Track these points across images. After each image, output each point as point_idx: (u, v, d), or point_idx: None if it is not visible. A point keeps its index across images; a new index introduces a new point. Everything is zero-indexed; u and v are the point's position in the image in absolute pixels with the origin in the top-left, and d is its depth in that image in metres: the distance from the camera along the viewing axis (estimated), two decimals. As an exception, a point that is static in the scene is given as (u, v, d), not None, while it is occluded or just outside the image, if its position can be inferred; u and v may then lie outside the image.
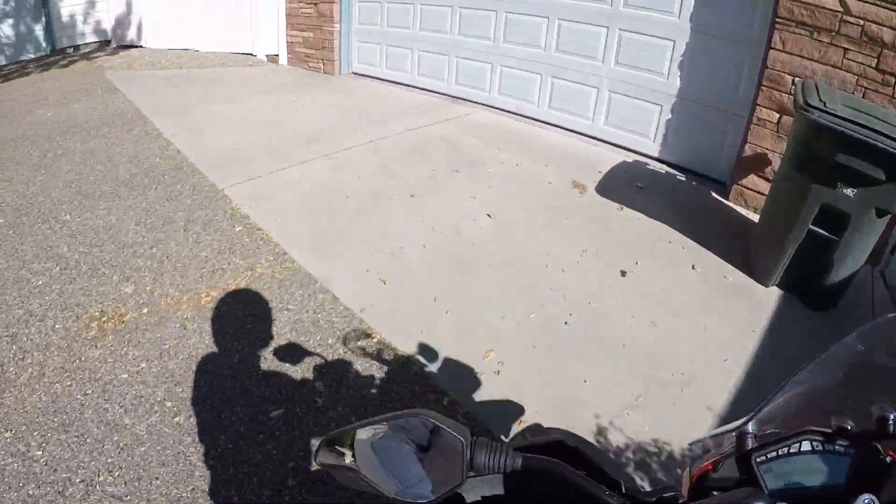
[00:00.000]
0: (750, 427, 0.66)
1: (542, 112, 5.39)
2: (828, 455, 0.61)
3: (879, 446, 0.61)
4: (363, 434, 0.55)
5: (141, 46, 9.22)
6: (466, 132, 5.20)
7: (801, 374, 0.65)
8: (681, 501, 0.64)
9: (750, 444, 0.64)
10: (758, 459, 0.62)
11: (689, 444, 0.74)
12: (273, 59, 8.08)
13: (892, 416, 0.58)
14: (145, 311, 2.85)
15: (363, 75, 7.27)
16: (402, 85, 6.77)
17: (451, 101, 6.02)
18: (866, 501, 0.52)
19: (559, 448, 0.67)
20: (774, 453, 0.62)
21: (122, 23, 9.00)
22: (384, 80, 6.98)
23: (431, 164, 4.60)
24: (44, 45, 9.32)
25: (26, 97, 7.21)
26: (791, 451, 0.62)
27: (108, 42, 9.50)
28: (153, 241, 3.65)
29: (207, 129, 5.48)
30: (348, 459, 0.53)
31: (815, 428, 0.63)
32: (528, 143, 5.11)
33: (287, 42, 7.78)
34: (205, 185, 4.37)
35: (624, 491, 0.64)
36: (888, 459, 0.60)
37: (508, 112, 5.66)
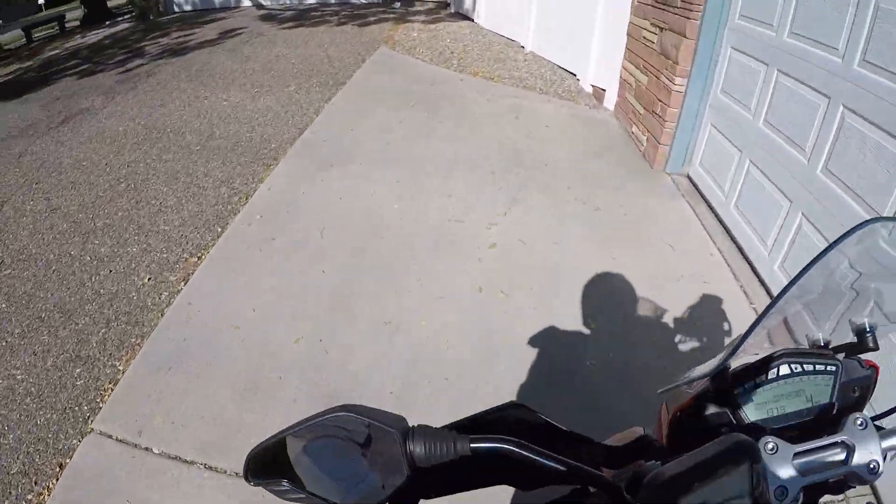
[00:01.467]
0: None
1: None
2: (809, 375, 0.65)
3: (860, 359, 0.68)
4: (295, 442, 0.54)
5: (471, 20, 7.76)
6: None
7: (780, 302, 0.64)
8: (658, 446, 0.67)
9: (718, 384, 0.67)
10: (736, 392, 0.66)
11: (659, 392, 0.72)
12: (597, 95, 5.52)
13: (869, 327, 0.68)
14: None
15: (697, 192, 3.94)
16: (743, 263, 3.21)
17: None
18: (859, 421, 0.57)
19: (512, 413, 0.65)
20: (753, 383, 0.66)
21: (463, -10, 7.87)
22: (721, 223, 3.57)
23: None
24: (379, -9, 8.72)
25: (267, 59, 6.60)
26: (769, 377, 0.65)
27: (447, 4, 8.48)
28: None
29: (302, 246, 3.42)
30: (286, 474, 0.53)
31: (789, 349, 0.67)
32: None
33: (620, 78, 5.06)
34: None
35: (593, 442, 0.67)
36: (869, 370, 0.67)
37: None
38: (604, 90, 5.47)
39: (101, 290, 3.14)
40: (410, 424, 0.54)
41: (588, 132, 4.81)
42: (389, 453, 0.53)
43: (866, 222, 0.66)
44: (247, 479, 0.54)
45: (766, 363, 0.67)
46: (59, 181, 4.41)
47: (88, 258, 3.43)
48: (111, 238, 3.60)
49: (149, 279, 3.20)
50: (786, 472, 0.56)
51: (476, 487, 0.64)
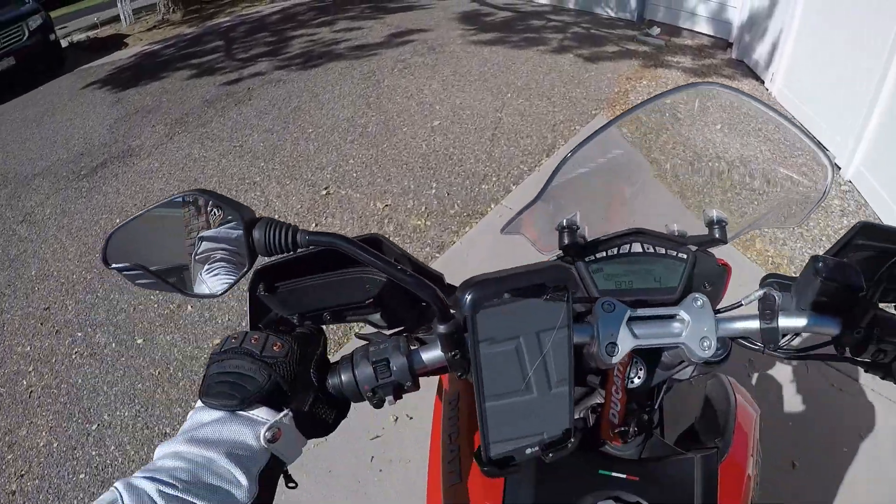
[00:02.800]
0: (567, 221, 0.72)
1: None
2: (660, 258, 0.71)
3: (713, 255, 0.73)
4: (153, 232, 0.56)
5: (759, 80, 4.40)
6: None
7: (590, 145, 0.69)
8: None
9: (567, 239, 0.71)
10: (587, 259, 0.71)
11: (502, 231, 0.76)
12: None
13: (718, 219, 0.71)
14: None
15: None
16: None
17: None
18: (697, 300, 0.60)
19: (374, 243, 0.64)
20: (604, 254, 0.71)
21: (753, 30, 4.68)
22: None
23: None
24: (633, 5, 5.69)
25: (400, 108, 4.23)
26: (621, 251, 0.71)
27: (727, 45, 4.88)
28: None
29: None
30: (139, 258, 0.54)
31: (644, 229, 0.71)
32: None
33: None
34: None
35: (445, 282, 0.66)
36: (721, 268, 0.73)
37: None
38: None
39: None
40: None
41: None
42: (236, 245, 0.53)
43: (696, 84, 0.71)
44: (104, 261, 0.53)
45: (620, 238, 0.71)
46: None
47: None
48: None
49: None
50: (618, 330, 0.59)
51: (337, 322, 0.67)
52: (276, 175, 3.55)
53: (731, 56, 4.86)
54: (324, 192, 3.30)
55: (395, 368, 0.55)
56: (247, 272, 0.53)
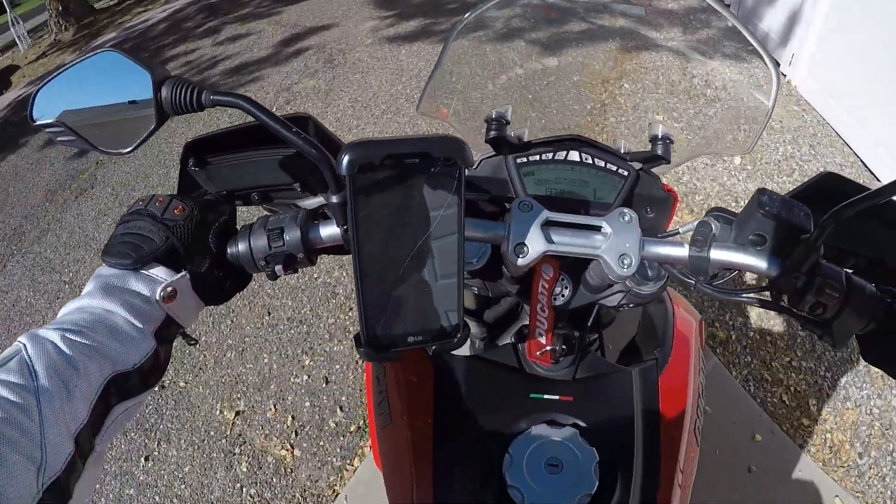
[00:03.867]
0: (496, 113, 0.65)
1: None
2: (598, 171, 0.64)
3: (657, 176, 0.67)
4: (76, 94, 0.54)
5: (776, 63, 3.26)
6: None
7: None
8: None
9: (493, 131, 0.64)
10: (518, 161, 0.65)
11: (418, 109, 0.70)
12: None
13: (663, 135, 0.66)
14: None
15: None
16: None
17: None
18: (625, 215, 0.54)
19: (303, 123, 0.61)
20: (537, 157, 0.65)
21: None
22: None
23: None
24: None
25: None
26: (556, 157, 0.65)
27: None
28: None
29: None
30: (60, 115, 0.53)
31: (586, 138, 0.65)
32: None
33: None
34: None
35: None
36: (666, 194, 0.66)
37: None
38: None
39: None
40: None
41: None
42: (147, 102, 0.51)
43: None
44: (31, 118, 0.53)
45: (558, 143, 0.65)
46: None
47: None
48: None
49: None
50: (531, 231, 0.54)
51: (265, 202, 0.65)
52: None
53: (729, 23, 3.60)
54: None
55: (287, 238, 0.52)
56: (155, 130, 0.52)
